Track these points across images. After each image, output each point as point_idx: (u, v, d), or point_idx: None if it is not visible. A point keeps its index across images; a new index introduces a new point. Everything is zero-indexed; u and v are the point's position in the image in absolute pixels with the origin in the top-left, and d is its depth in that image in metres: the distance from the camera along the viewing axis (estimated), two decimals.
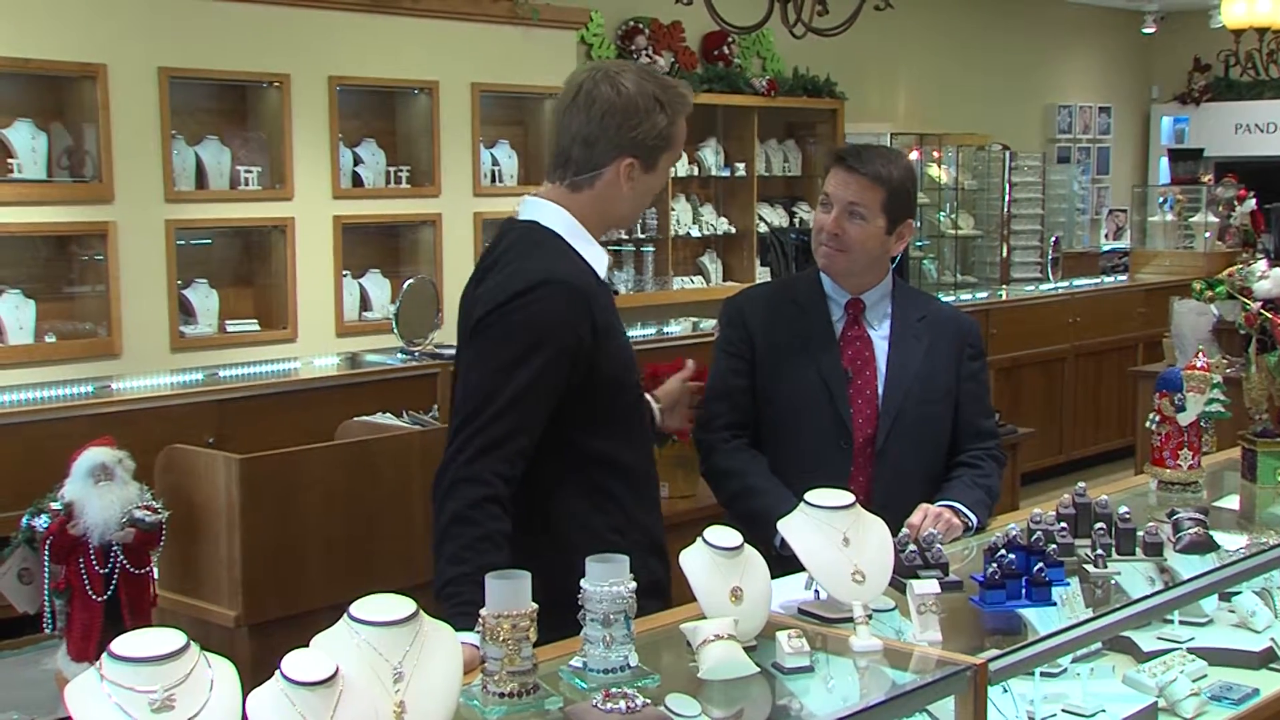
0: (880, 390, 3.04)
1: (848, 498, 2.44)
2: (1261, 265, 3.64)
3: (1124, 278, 10.07)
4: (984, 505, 3.01)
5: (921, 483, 3.02)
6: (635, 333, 7.20)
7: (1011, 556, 2.50)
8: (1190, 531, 2.81)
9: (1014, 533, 2.58)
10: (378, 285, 6.67)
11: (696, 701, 1.98)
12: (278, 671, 1.70)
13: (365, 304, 6.62)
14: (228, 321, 6.11)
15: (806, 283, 3.15)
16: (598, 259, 2.55)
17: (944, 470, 3.10)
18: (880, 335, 3.08)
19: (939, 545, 2.62)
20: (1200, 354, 3.41)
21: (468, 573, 2.27)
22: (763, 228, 8.74)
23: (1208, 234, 9.80)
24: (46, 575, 3.22)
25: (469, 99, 6.80)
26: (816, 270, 3.13)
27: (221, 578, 3.49)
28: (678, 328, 7.33)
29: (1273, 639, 3.06)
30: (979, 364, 3.18)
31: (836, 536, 2.36)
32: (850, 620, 2.27)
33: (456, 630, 1.98)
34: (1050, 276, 10.16)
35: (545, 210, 2.54)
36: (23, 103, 5.55)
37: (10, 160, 5.44)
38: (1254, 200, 9.90)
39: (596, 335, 2.48)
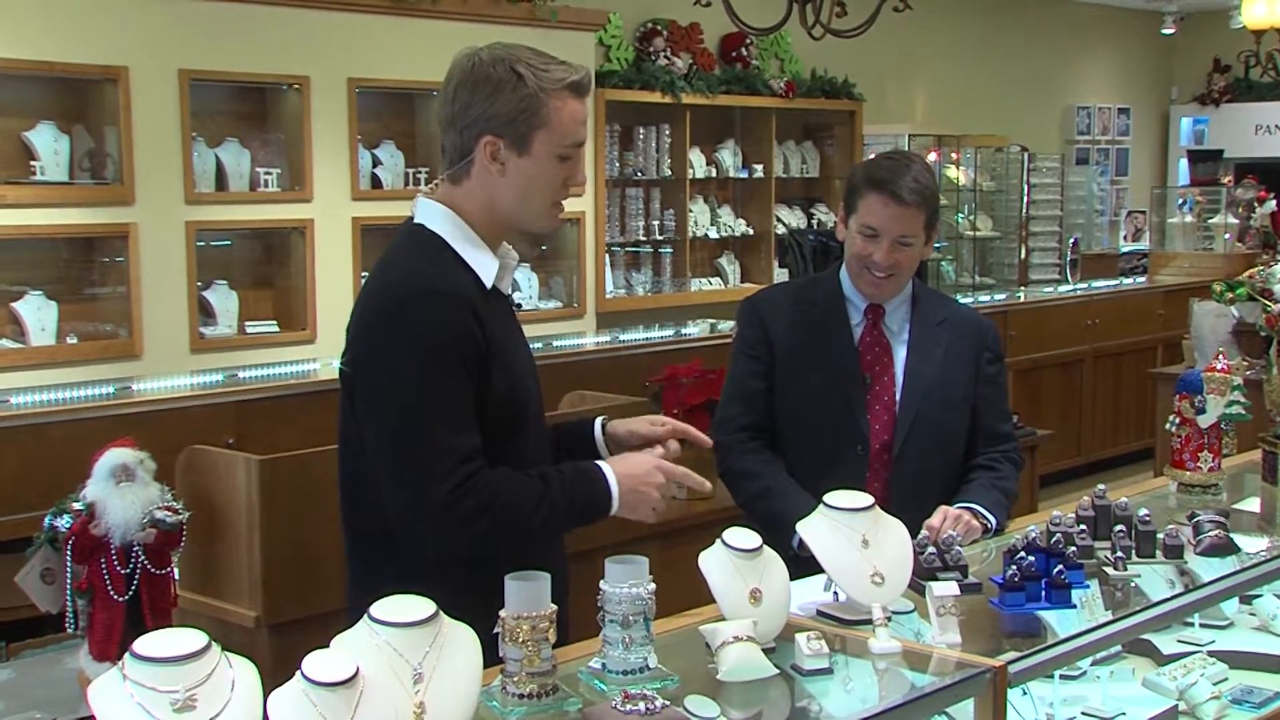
0: (898, 397, 3.03)
1: (867, 499, 2.43)
2: None
3: (1143, 279, 10.04)
4: (1002, 507, 3.00)
5: (938, 487, 3.01)
6: (653, 334, 7.20)
7: (1031, 559, 2.49)
8: (1211, 534, 2.80)
9: (1033, 535, 2.57)
10: None
11: (715, 703, 1.98)
12: (298, 672, 1.70)
13: None
14: (247, 323, 6.13)
15: (826, 285, 3.13)
16: (485, 267, 2.32)
17: (961, 473, 3.08)
18: (900, 340, 3.07)
19: (958, 547, 2.62)
20: (1220, 356, 3.40)
21: (548, 497, 2.25)
22: (780, 229, 8.74)
23: (1227, 235, 9.77)
24: (69, 575, 3.24)
25: None
26: (837, 271, 3.12)
27: (242, 578, 3.51)
28: (695, 329, 7.34)
29: None
30: (997, 367, 3.17)
31: (856, 538, 2.36)
32: (869, 622, 2.27)
33: (599, 475, 2.29)
34: (1069, 278, 10.14)
35: (431, 212, 2.33)
36: (45, 105, 5.59)
37: (33, 162, 5.47)
38: (1274, 202, 9.85)
39: (487, 346, 2.25)
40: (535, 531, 2.28)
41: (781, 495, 2.96)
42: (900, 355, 3.05)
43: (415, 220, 2.36)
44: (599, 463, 2.36)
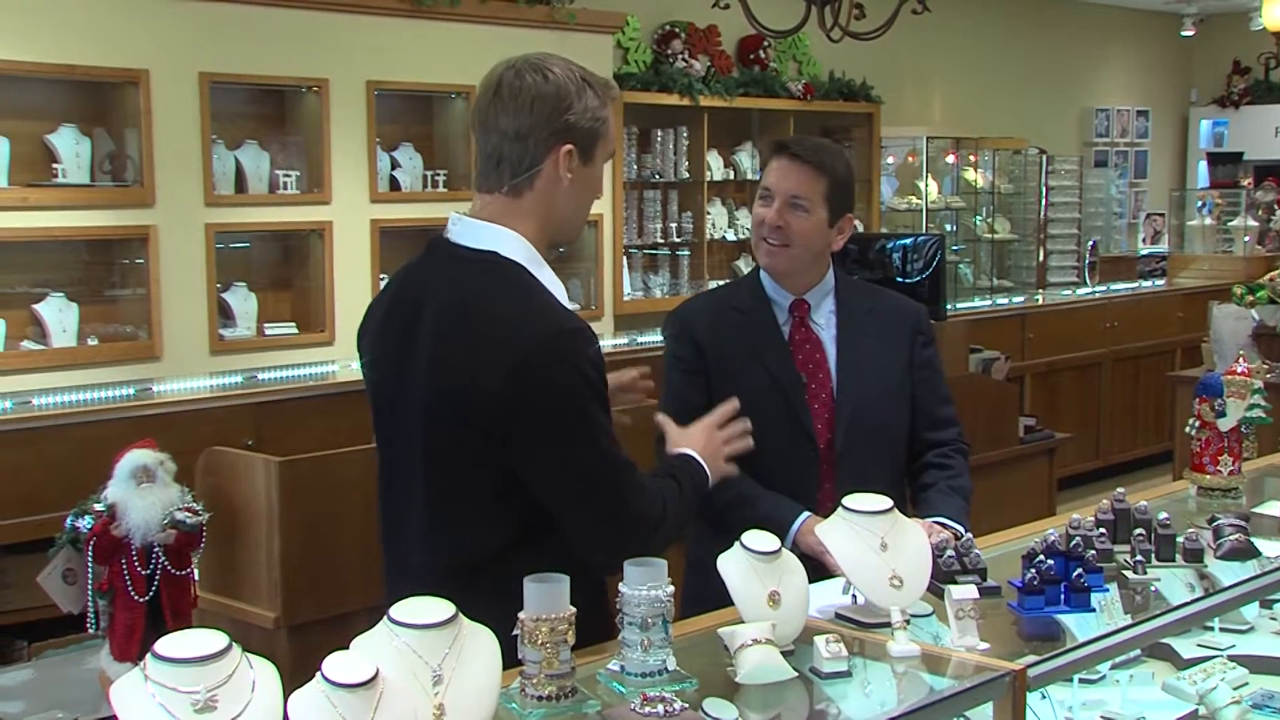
0: (834, 391, 2.98)
1: (885, 502, 2.43)
2: None
3: (1162, 282, 10.01)
4: (964, 512, 2.94)
5: (885, 479, 2.90)
6: None
7: (1050, 562, 2.48)
8: (1231, 538, 2.79)
9: (1052, 538, 2.56)
10: None
11: (734, 705, 1.98)
12: (319, 673, 1.71)
13: None
14: (266, 325, 6.15)
15: (748, 287, 3.08)
16: (559, 291, 2.35)
17: (908, 464, 3.03)
18: (829, 335, 3.01)
19: (977, 550, 2.61)
20: (1240, 359, 3.39)
21: (684, 496, 2.41)
22: None
23: (1247, 238, 9.73)
24: (90, 576, 3.26)
25: None
26: (757, 273, 3.06)
27: (261, 579, 3.52)
28: None
29: None
30: (931, 350, 3.10)
31: (874, 541, 2.36)
32: (888, 625, 2.27)
33: (695, 461, 2.47)
34: (1087, 281, 10.12)
35: (500, 237, 2.31)
36: (67, 108, 5.62)
37: (55, 165, 5.50)
38: None
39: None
40: (684, 524, 2.46)
41: (759, 500, 2.90)
42: (832, 350, 3.00)
43: (482, 247, 2.32)
44: (685, 450, 2.50)
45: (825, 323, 3.02)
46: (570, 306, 2.35)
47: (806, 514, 2.86)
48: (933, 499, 2.96)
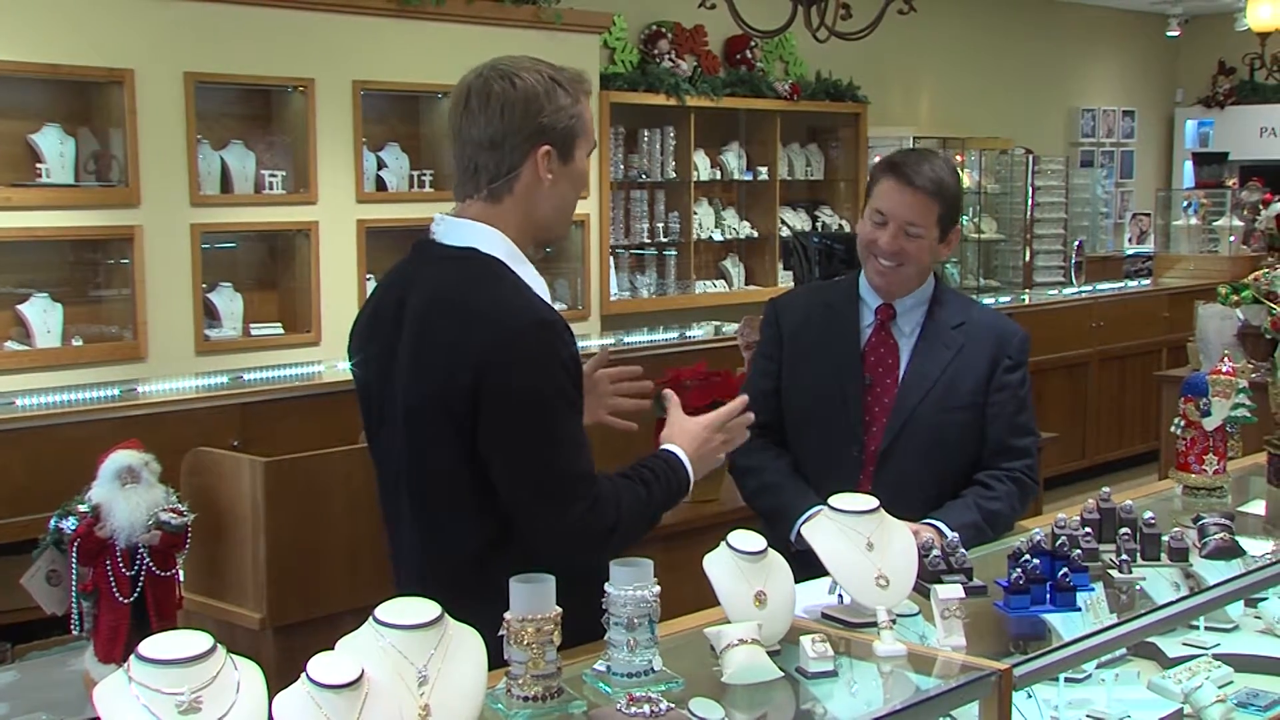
0: (896, 396, 3.00)
1: (871, 502, 2.43)
2: None
3: (1148, 282, 10.03)
4: (974, 529, 2.85)
5: (923, 494, 2.90)
6: (657, 337, 7.21)
7: (1036, 561, 2.49)
8: (1216, 537, 2.79)
9: (1038, 538, 2.57)
10: None
11: (720, 706, 1.98)
12: (304, 674, 1.71)
13: None
14: (252, 325, 6.14)
15: (845, 285, 3.14)
16: (541, 288, 2.34)
17: (958, 484, 2.98)
18: (908, 342, 3.03)
19: (963, 550, 2.61)
20: (1225, 358, 3.40)
21: (653, 499, 2.35)
22: (785, 232, 8.75)
23: (1232, 238, 9.76)
24: (74, 577, 3.24)
25: None
26: (858, 273, 3.11)
27: (246, 580, 3.51)
28: (700, 331, 7.34)
29: None
30: (1016, 375, 3.03)
31: (860, 541, 2.36)
32: (874, 625, 2.27)
33: (676, 460, 2.39)
34: (1073, 280, 10.14)
35: (480, 234, 2.31)
36: (51, 108, 5.60)
37: (39, 165, 5.48)
38: None
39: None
40: (646, 530, 2.40)
41: (779, 490, 3.00)
42: (906, 356, 3.02)
43: (459, 244, 2.33)
44: (670, 447, 2.44)
45: (910, 330, 3.04)
46: (554, 306, 2.35)
47: (816, 508, 2.86)
48: (950, 507, 2.92)
